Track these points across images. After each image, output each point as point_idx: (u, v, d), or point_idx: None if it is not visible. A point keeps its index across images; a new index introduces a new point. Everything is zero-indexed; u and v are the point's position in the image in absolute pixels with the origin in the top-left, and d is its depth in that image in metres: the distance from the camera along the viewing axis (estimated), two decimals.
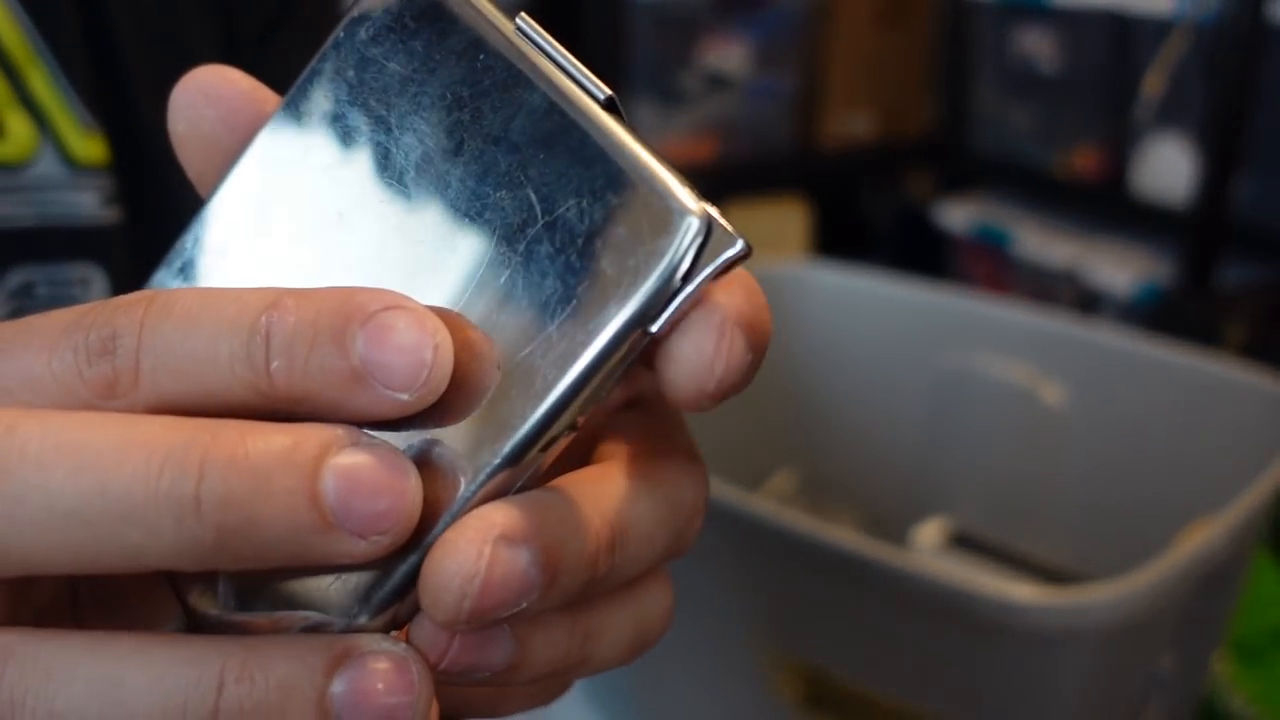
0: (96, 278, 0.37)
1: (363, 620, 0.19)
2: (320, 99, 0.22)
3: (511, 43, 0.20)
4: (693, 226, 0.18)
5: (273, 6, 0.44)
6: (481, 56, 0.20)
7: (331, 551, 0.18)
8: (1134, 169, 1.24)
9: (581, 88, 0.20)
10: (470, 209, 0.20)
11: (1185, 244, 1.18)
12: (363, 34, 0.22)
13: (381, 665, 0.18)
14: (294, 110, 0.22)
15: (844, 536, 0.48)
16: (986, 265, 1.41)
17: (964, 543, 0.78)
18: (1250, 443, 0.60)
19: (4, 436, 0.18)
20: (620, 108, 0.20)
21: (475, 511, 0.18)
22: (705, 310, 0.19)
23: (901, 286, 0.78)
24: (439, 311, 0.19)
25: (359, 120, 0.21)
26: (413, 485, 0.18)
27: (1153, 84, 1.19)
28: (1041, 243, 1.31)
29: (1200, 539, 0.46)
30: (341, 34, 0.22)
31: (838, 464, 0.80)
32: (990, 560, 0.77)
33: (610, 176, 0.19)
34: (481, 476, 0.19)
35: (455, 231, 0.20)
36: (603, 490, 0.21)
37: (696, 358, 0.19)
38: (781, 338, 0.85)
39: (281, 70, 0.45)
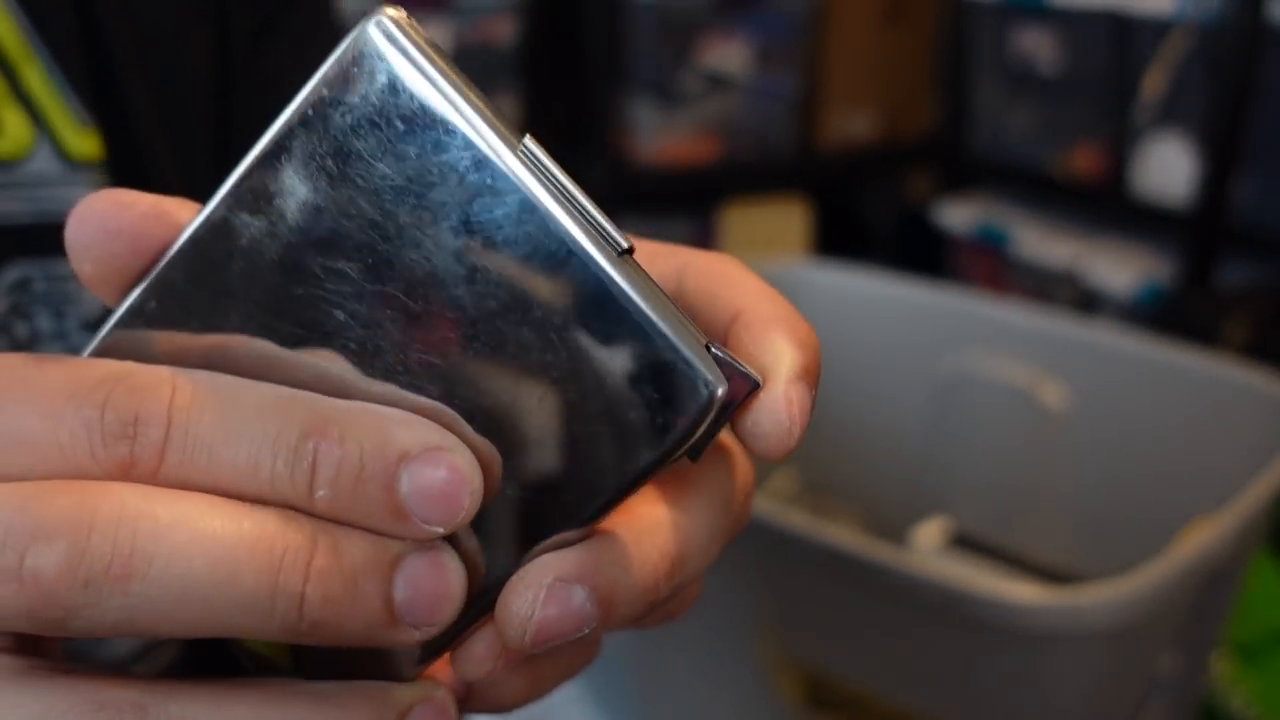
0: None
1: (417, 670, 0.22)
2: (294, 181, 0.20)
3: (521, 174, 0.19)
4: (715, 393, 0.19)
5: (268, 6, 0.44)
6: (489, 181, 0.19)
7: (390, 639, 0.20)
8: (1134, 169, 1.24)
9: (601, 234, 0.19)
10: (485, 338, 0.20)
11: (1185, 244, 1.18)
12: (339, 120, 0.19)
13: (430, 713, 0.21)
14: (259, 184, 0.20)
15: (844, 536, 0.48)
16: (986, 265, 1.41)
17: (964, 543, 0.78)
18: (1250, 443, 0.60)
19: (139, 519, 0.18)
20: (633, 251, 0.20)
21: (539, 559, 0.21)
22: (771, 389, 0.21)
23: (901, 286, 0.78)
24: (472, 444, 0.20)
25: (347, 217, 0.20)
26: (460, 586, 0.20)
27: (1153, 84, 1.19)
28: (1041, 243, 1.31)
29: (1200, 539, 0.46)
30: (310, 113, 0.20)
31: (838, 464, 0.80)
32: (990, 560, 0.77)
33: (635, 335, 0.19)
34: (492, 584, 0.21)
35: (468, 356, 0.20)
36: (658, 523, 0.22)
37: (774, 428, 0.21)
38: None
39: (275, 70, 0.45)
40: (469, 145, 0.19)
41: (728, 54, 1.43)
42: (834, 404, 0.79)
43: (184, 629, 0.19)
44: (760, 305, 0.23)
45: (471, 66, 1.32)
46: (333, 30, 0.49)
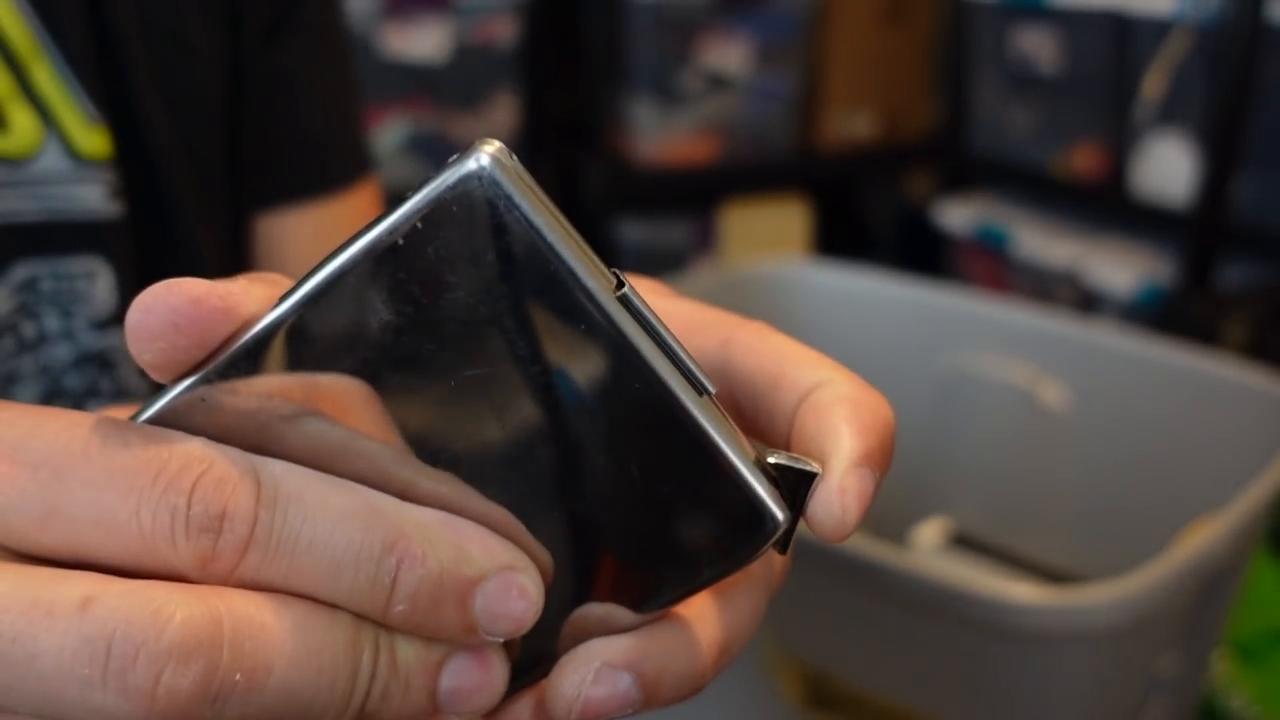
0: (101, 271, 0.37)
1: None
2: (377, 301, 0.20)
3: (619, 319, 0.20)
4: (779, 527, 0.21)
5: (278, 5, 0.44)
6: (585, 324, 0.20)
7: None
8: (1134, 169, 1.24)
9: (689, 378, 0.20)
10: (564, 460, 0.21)
11: (1185, 244, 1.18)
12: (433, 254, 0.19)
13: None
14: (339, 299, 0.20)
15: None
16: (986, 265, 1.41)
17: (964, 543, 0.78)
18: (1250, 443, 0.60)
19: (258, 631, 0.19)
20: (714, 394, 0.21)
21: (592, 642, 0.22)
22: (827, 480, 0.22)
23: (901, 286, 0.78)
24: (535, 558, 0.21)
25: (432, 341, 0.20)
26: (502, 680, 0.22)
27: (1153, 84, 1.19)
28: (1041, 243, 1.31)
29: (1200, 539, 0.46)
30: (401, 242, 0.19)
31: None
32: (990, 560, 0.77)
33: (713, 472, 0.21)
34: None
35: (544, 473, 0.21)
36: (706, 614, 0.23)
37: (828, 519, 0.22)
38: None
39: (285, 69, 0.45)
40: (568, 290, 0.19)
41: (727, 54, 1.43)
42: None
43: None
44: (823, 386, 0.24)
45: (471, 66, 1.32)
46: (342, 29, 0.49)
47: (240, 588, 0.19)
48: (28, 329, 0.36)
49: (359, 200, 0.49)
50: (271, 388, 0.20)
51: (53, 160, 0.35)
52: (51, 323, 0.37)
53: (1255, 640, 0.68)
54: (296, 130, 0.46)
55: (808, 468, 0.22)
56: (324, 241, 0.48)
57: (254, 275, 0.21)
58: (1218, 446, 0.65)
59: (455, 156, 0.19)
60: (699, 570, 0.21)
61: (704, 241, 1.53)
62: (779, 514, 0.21)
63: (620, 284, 0.20)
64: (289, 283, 0.21)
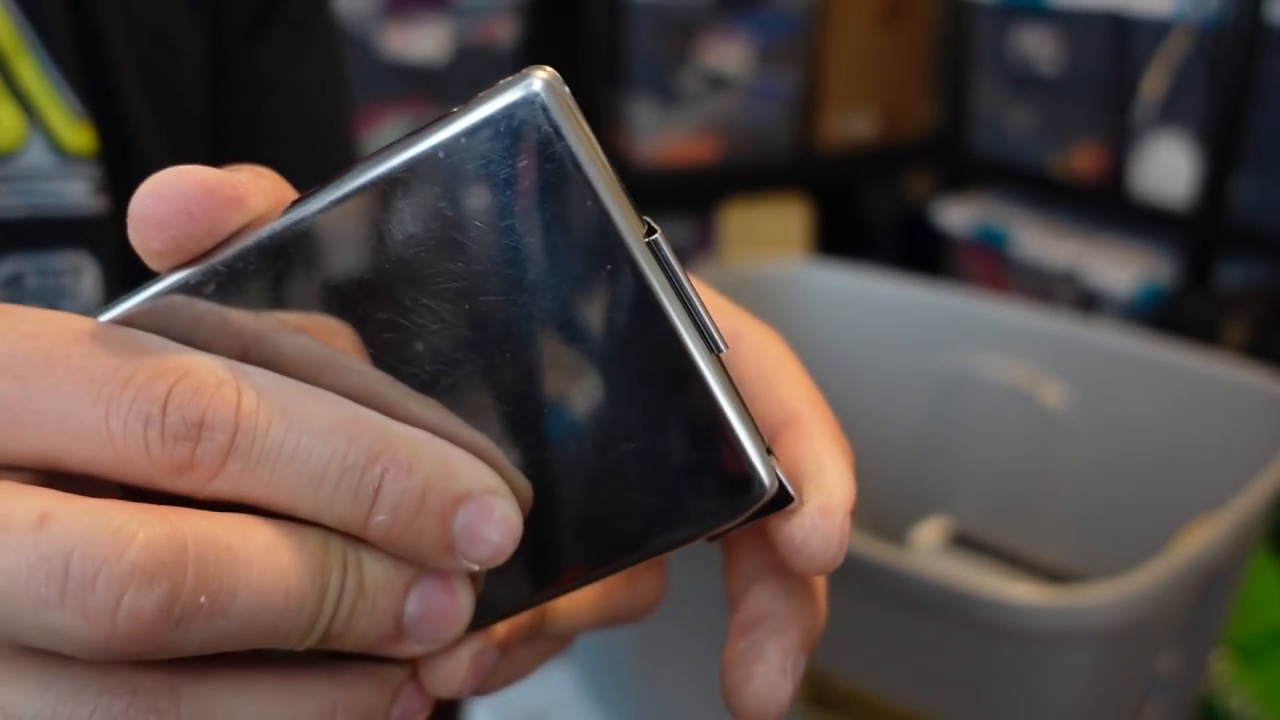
0: (87, 266, 0.37)
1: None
2: (404, 213, 0.19)
3: (644, 261, 0.20)
4: (765, 494, 0.21)
5: (260, 6, 0.44)
6: (612, 263, 0.20)
7: (393, 651, 0.21)
8: (1134, 169, 1.24)
9: (705, 333, 0.20)
10: (561, 395, 0.20)
11: (1185, 244, 1.18)
12: (471, 169, 0.19)
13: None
14: (364, 206, 0.19)
15: None
16: (986, 265, 1.41)
17: (964, 543, 0.78)
18: (1250, 443, 0.60)
19: (222, 553, 0.18)
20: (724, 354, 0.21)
21: (779, 642, 0.23)
22: (829, 515, 0.22)
23: (901, 286, 0.78)
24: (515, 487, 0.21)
25: (454, 260, 0.19)
26: (468, 611, 0.21)
27: (1153, 84, 1.19)
28: (1041, 243, 1.31)
29: (1200, 539, 0.46)
30: (442, 155, 0.19)
31: None
32: (990, 560, 0.77)
33: (710, 429, 0.20)
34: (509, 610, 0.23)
35: (538, 407, 0.21)
36: (820, 607, 0.25)
37: (823, 553, 0.22)
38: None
39: (270, 65, 0.45)
40: (599, 227, 0.19)
41: (727, 54, 1.43)
42: (834, 404, 0.79)
43: (236, 648, 0.19)
44: (815, 414, 0.24)
45: (471, 66, 1.32)
46: (330, 28, 0.49)
47: (216, 498, 0.19)
48: None
49: None
50: (269, 295, 0.20)
51: (37, 156, 0.35)
52: None
53: (1255, 640, 0.68)
54: (281, 130, 0.46)
55: (791, 490, 0.21)
56: None
57: (257, 169, 0.21)
58: (1218, 446, 0.65)
59: (508, 79, 0.19)
60: (677, 527, 0.21)
61: (704, 241, 1.53)
62: (767, 480, 0.21)
63: (651, 230, 0.20)
64: (285, 181, 0.21)
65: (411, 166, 0.19)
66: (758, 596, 0.24)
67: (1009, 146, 1.40)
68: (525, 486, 0.21)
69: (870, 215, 1.76)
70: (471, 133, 0.19)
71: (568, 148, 0.19)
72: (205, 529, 0.18)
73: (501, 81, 0.19)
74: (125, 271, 0.39)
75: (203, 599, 0.18)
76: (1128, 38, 1.21)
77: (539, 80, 0.19)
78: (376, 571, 0.20)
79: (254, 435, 0.19)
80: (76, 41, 0.37)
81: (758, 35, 1.44)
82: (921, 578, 0.45)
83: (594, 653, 0.65)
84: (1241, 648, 0.68)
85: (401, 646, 0.21)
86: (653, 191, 1.48)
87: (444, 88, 1.31)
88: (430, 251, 0.19)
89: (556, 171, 0.19)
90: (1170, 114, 1.19)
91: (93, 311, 0.20)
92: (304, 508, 0.19)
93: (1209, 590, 0.52)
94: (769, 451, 0.21)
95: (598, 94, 1.43)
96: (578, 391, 0.20)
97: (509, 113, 0.19)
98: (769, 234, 1.55)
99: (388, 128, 1.29)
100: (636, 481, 0.21)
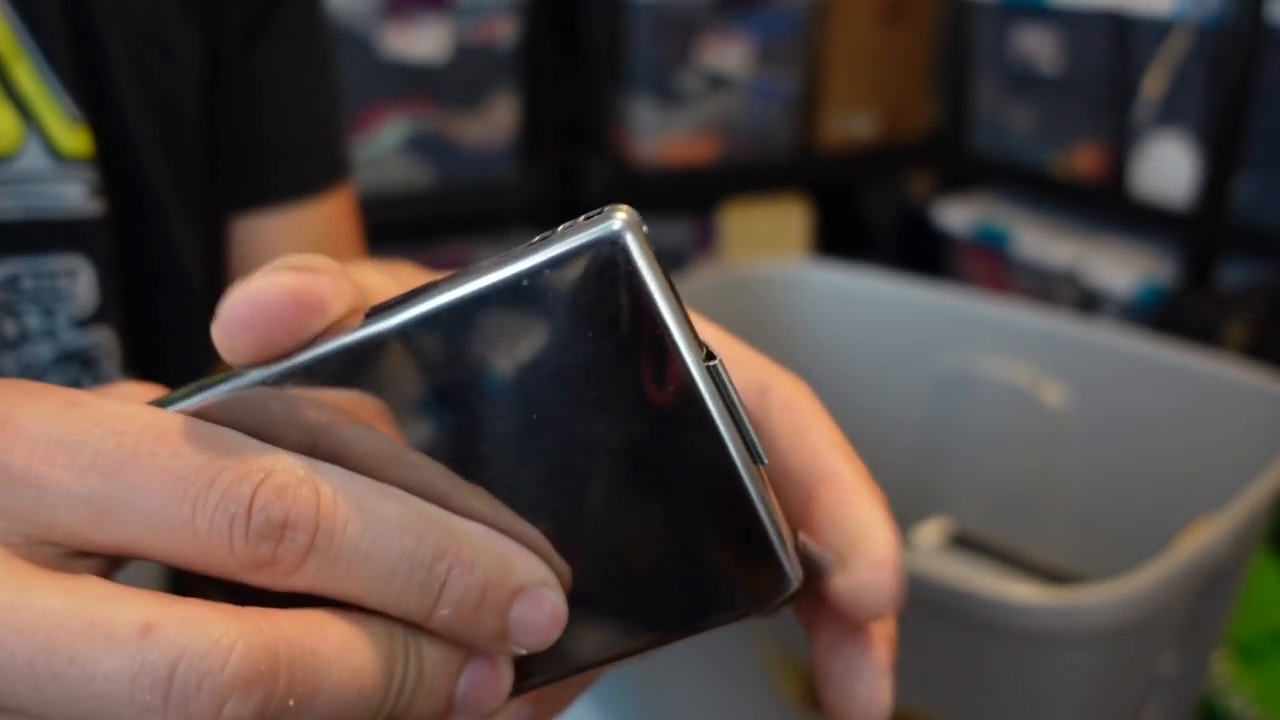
0: (83, 269, 0.37)
1: None
2: (480, 336, 0.21)
3: (704, 386, 0.21)
4: (792, 588, 0.23)
5: (255, 8, 0.44)
6: (670, 386, 0.21)
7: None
8: (1134, 169, 1.24)
9: (750, 447, 0.22)
10: (613, 492, 0.22)
11: (1185, 244, 1.18)
12: (551, 302, 0.20)
13: None
14: (440, 326, 0.21)
15: None
16: (986, 265, 1.41)
17: (964, 543, 0.78)
18: (1250, 443, 0.60)
19: (309, 658, 0.19)
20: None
21: (875, 660, 0.24)
22: (882, 571, 0.23)
23: (901, 286, 0.78)
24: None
25: (525, 380, 0.21)
26: (509, 685, 0.23)
27: (1153, 84, 1.19)
28: (1041, 243, 1.31)
29: (1200, 539, 0.46)
30: (525, 284, 0.20)
31: None
32: (990, 560, 0.77)
33: (749, 532, 0.22)
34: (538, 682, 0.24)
35: (593, 502, 0.22)
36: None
37: (878, 605, 0.23)
38: (781, 338, 0.85)
39: (265, 69, 0.45)
40: (666, 354, 0.21)
41: (727, 54, 1.43)
42: (834, 404, 0.79)
43: None
44: (850, 468, 0.25)
45: (471, 66, 1.32)
46: (323, 31, 0.49)
47: (291, 590, 0.20)
48: (9, 327, 0.36)
49: (337, 204, 0.49)
50: (341, 398, 0.21)
51: (34, 159, 0.35)
52: (33, 321, 0.36)
53: (1255, 640, 0.68)
54: (276, 134, 0.46)
55: (823, 558, 0.23)
56: (304, 245, 0.48)
57: (336, 271, 0.21)
58: (1218, 446, 0.65)
59: (589, 215, 0.21)
60: (710, 615, 0.23)
61: (704, 241, 1.53)
62: (794, 579, 0.23)
63: (710, 356, 0.22)
64: (368, 277, 0.22)
65: (493, 291, 0.20)
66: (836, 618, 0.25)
67: (1009, 146, 1.40)
68: (566, 571, 0.23)
69: (870, 215, 1.76)
70: (554, 264, 0.20)
71: (644, 284, 0.21)
72: (291, 632, 0.19)
73: (584, 218, 0.21)
74: (120, 274, 0.39)
75: (291, 702, 0.19)
76: (1128, 37, 1.21)
77: (619, 220, 0.21)
78: (435, 657, 0.22)
79: (332, 534, 0.20)
80: (73, 45, 0.37)
81: (758, 35, 1.44)
82: (921, 578, 0.45)
83: None
84: (1241, 648, 0.68)
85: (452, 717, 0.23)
86: (653, 191, 1.48)
87: (444, 88, 1.31)
88: (501, 367, 0.21)
89: (631, 305, 0.21)
90: (1170, 114, 1.19)
91: (167, 399, 0.21)
92: (374, 600, 0.20)
93: (1209, 590, 0.52)
94: (796, 536, 0.23)
95: (598, 94, 1.43)
96: (627, 489, 0.22)
97: (592, 249, 0.20)
98: (769, 234, 1.55)
99: (388, 128, 1.29)
100: (674, 572, 0.23)
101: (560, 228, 0.21)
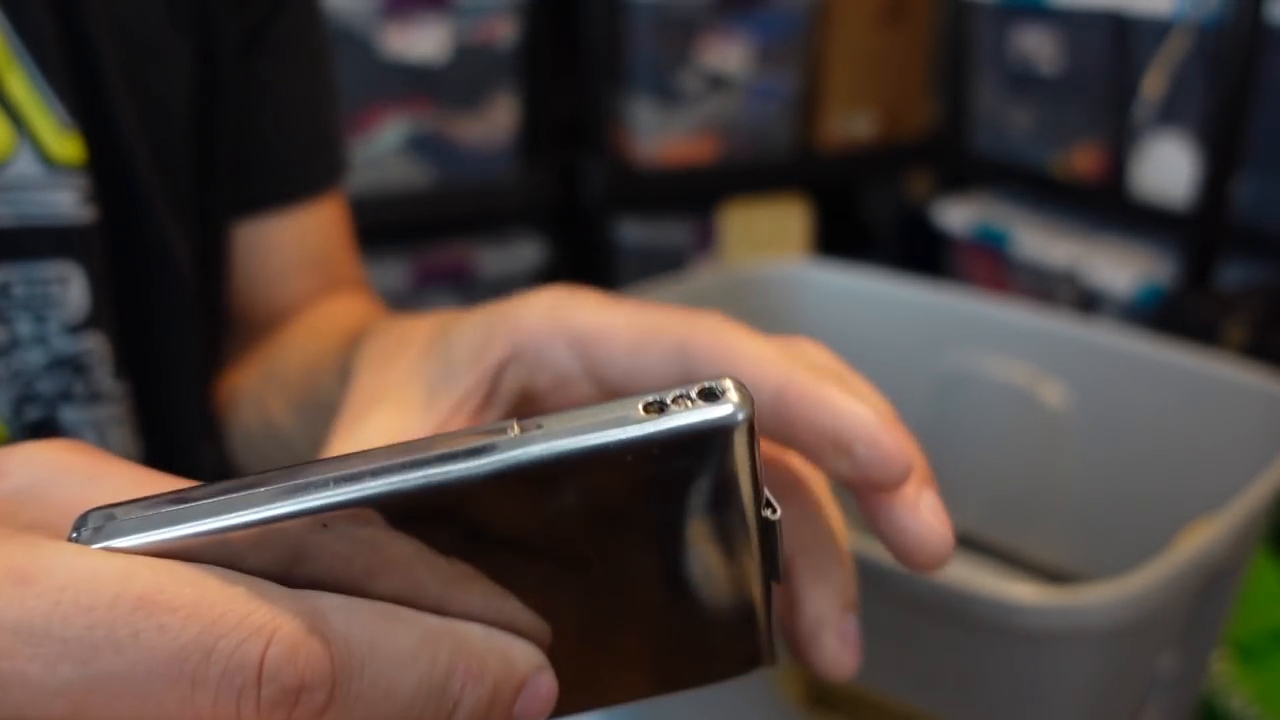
0: (74, 276, 0.37)
1: None
2: (560, 491, 0.20)
3: (757, 533, 0.22)
4: (767, 666, 0.25)
5: (253, 18, 0.44)
6: (726, 534, 0.21)
7: None
8: (1134, 169, 1.24)
9: (771, 566, 0.23)
10: (620, 590, 0.22)
11: (1185, 244, 1.18)
12: (645, 472, 0.20)
13: None
14: (528, 476, 0.19)
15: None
16: (986, 265, 1.41)
17: (964, 543, 0.78)
18: (1250, 443, 0.60)
19: None
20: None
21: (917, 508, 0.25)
22: (910, 512, 0.25)
23: (901, 286, 0.78)
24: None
25: (582, 537, 0.21)
26: None
27: (1153, 84, 1.19)
28: (1041, 243, 1.31)
29: (1200, 539, 0.46)
30: (629, 458, 0.20)
31: None
32: (990, 560, 0.77)
33: (742, 627, 0.24)
34: None
35: (589, 606, 0.22)
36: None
37: (925, 539, 0.26)
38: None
39: (264, 76, 0.45)
40: (738, 514, 0.21)
41: (727, 54, 1.43)
42: None
43: None
44: (784, 368, 0.25)
45: (471, 66, 1.32)
46: (320, 34, 0.49)
47: None
48: (0, 333, 0.36)
49: (333, 206, 0.50)
50: (381, 535, 0.19)
51: (25, 166, 0.35)
52: (24, 327, 0.37)
53: (1255, 640, 0.68)
54: (276, 137, 0.46)
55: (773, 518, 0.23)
56: (303, 248, 0.49)
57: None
58: (1218, 446, 0.65)
59: (701, 389, 0.20)
60: (693, 680, 0.24)
61: (704, 241, 1.53)
62: (770, 662, 0.25)
63: (770, 505, 0.22)
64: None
65: (590, 458, 0.20)
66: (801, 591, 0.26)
67: (1009, 146, 1.40)
68: (548, 634, 0.22)
69: (870, 215, 1.76)
70: (664, 445, 0.20)
71: (749, 459, 0.21)
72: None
73: (695, 391, 0.20)
74: (113, 280, 0.39)
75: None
76: (1128, 38, 1.21)
77: (741, 411, 0.20)
78: None
79: (349, 685, 0.18)
80: (65, 52, 0.37)
81: (758, 35, 1.44)
82: (922, 578, 0.45)
83: None
84: (1241, 648, 0.68)
85: None
86: (652, 191, 1.48)
87: (444, 88, 1.31)
88: (561, 521, 0.20)
89: (727, 473, 0.21)
90: (1170, 114, 1.19)
91: (136, 523, 0.18)
92: None
93: (1209, 590, 0.52)
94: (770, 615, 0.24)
95: (598, 94, 1.43)
96: (637, 582, 0.22)
97: (709, 433, 0.20)
98: (769, 234, 1.55)
99: (388, 128, 1.29)
100: (670, 647, 0.24)
101: (671, 395, 0.20)
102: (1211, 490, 0.58)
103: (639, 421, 0.19)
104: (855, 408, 0.24)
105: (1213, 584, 0.52)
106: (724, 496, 0.21)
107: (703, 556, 0.22)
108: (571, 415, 0.20)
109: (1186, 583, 0.46)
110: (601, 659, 0.23)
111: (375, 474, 0.19)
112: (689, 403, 0.20)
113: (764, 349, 0.25)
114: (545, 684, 0.22)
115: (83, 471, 0.20)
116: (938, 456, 0.89)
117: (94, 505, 0.19)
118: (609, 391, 0.26)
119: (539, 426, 0.19)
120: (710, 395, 0.20)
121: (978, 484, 0.77)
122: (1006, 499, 0.76)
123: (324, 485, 0.18)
